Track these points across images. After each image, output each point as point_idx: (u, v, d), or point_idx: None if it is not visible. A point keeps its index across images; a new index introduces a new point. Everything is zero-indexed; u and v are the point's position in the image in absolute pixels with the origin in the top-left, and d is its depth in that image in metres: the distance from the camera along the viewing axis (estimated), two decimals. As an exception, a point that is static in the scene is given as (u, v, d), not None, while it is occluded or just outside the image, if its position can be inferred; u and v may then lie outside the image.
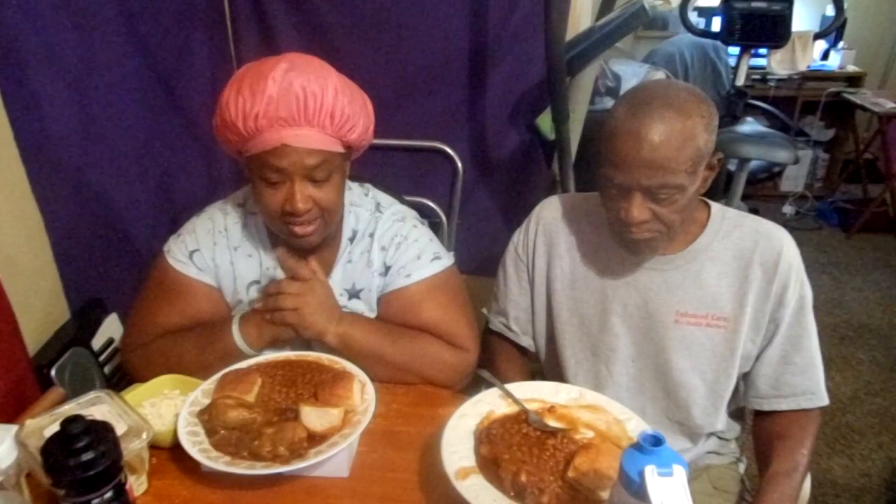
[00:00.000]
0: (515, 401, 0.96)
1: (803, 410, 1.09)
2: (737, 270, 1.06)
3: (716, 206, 1.10)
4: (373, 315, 1.19)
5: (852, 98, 3.91)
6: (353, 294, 1.18)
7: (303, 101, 0.97)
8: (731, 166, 2.73)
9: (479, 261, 2.07)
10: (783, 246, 1.05)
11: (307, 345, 1.11)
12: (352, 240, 1.18)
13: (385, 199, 1.24)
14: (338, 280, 1.17)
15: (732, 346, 1.07)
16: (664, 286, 1.08)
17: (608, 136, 0.96)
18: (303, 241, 1.08)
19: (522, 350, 1.27)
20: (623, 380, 1.14)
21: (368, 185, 1.25)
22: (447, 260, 1.20)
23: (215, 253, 1.16)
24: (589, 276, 1.14)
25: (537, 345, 1.25)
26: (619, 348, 1.13)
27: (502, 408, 0.96)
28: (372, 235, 1.18)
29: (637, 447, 0.66)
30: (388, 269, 1.17)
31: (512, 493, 0.81)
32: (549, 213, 1.20)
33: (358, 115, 1.04)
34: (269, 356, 1.07)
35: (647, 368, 1.12)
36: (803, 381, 1.08)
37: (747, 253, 1.05)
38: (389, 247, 1.17)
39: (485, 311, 1.30)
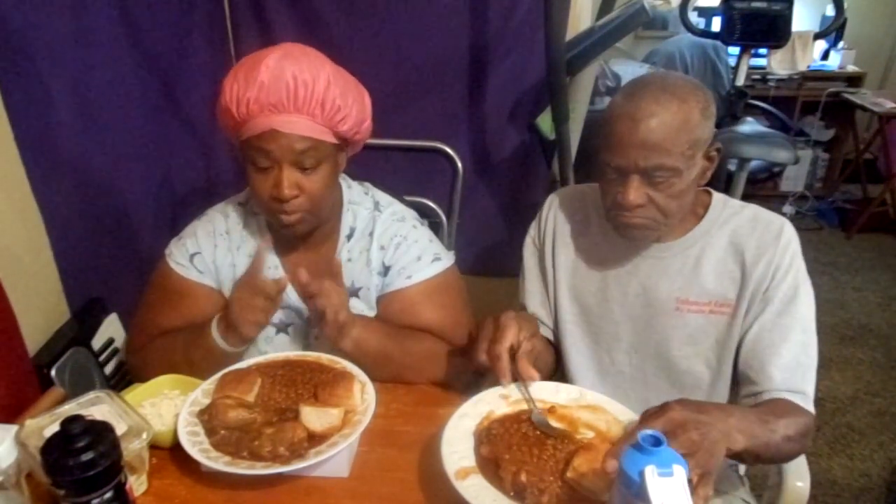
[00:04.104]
0: (528, 400, 0.96)
1: (791, 401, 0.98)
2: (735, 256, 1.05)
3: (718, 196, 1.10)
4: (372, 314, 1.19)
5: (852, 98, 3.91)
6: (353, 293, 1.18)
7: (293, 88, 0.98)
8: (731, 166, 2.73)
9: (479, 261, 2.07)
10: (783, 230, 1.04)
11: (302, 342, 1.10)
12: (349, 237, 1.18)
13: (384, 198, 1.24)
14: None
15: (733, 331, 1.06)
16: (663, 273, 1.09)
17: (606, 121, 0.97)
18: (289, 229, 1.08)
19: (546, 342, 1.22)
20: (626, 369, 1.14)
21: (368, 185, 1.26)
22: (447, 260, 1.20)
23: (216, 255, 1.16)
24: (590, 265, 1.15)
25: None
26: (621, 337, 1.13)
27: (502, 408, 0.96)
28: (371, 234, 1.18)
29: (637, 447, 0.66)
30: (387, 269, 1.17)
31: (512, 493, 0.81)
32: (559, 202, 1.21)
33: (350, 106, 1.05)
34: (269, 356, 1.07)
35: (649, 357, 1.12)
36: (790, 377, 1.00)
37: (745, 238, 1.05)
38: (389, 247, 1.17)
39: None
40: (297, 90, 0.98)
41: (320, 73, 1.01)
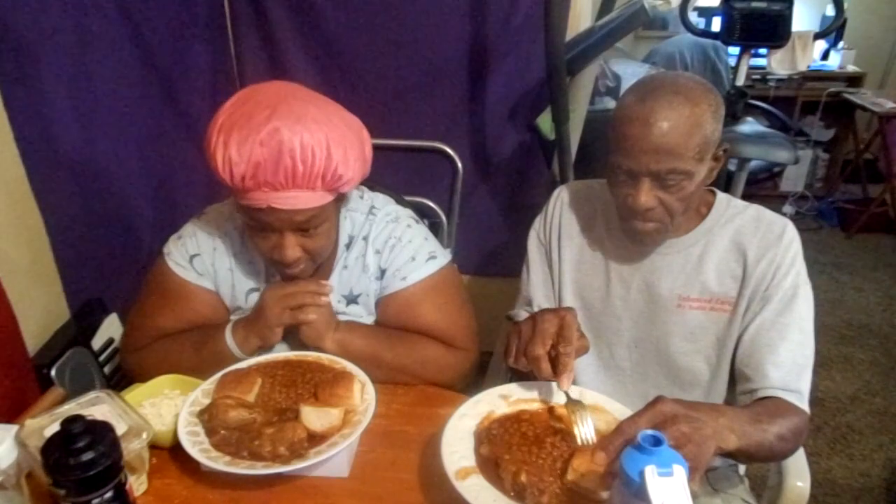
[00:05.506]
0: (573, 397, 0.94)
1: (785, 400, 0.98)
2: (737, 254, 1.06)
3: (721, 195, 1.11)
4: (372, 319, 1.18)
5: (852, 98, 3.91)
6: (351, 300, 1.17)
7: (290, 168, 0.92)
8: (731, 166, 2.73)
9: (479, 261, 2.08)
10: (785, 230, 1.05)
11: (302, 347, 1.11)
12: (348, 245, 1.17)
13: (380, 200, 1.22)
14: (335, 286, 1.16)
15: (732, 329, 1.06)
16: (666, 270, 1.09)
17: (617, 123, 0.97)
18: (294, 276, 1.09)
19: None
20: (626, 364, 1.15)
21: (363, 188, 1.23)
22: (443, 258, 1.19)
23: (215, 258, 1.15)
24: (595, 259, 1.15)
25: None
26: (622, 332, 1.13)
27: (502, 408, 0.96)
28: (366, 239, 1.16)
29: (637, 447, 0.66)
30: (383, 272, 1.16)
31: (512, 493, 0.81)
32: (566, 197, 1.21)
33: (352, 166, 0.99)
34: (269, 356, 1.07)
35: (650, 353, 1.12)
36: (786, 376, 0.99)
37: (747, 237, 1.05)
38: (383, 249, 1.16)
39: (511, 314, 1.27)
40: (296, 168, 0.92)
41: (319, 140, 0.93)
